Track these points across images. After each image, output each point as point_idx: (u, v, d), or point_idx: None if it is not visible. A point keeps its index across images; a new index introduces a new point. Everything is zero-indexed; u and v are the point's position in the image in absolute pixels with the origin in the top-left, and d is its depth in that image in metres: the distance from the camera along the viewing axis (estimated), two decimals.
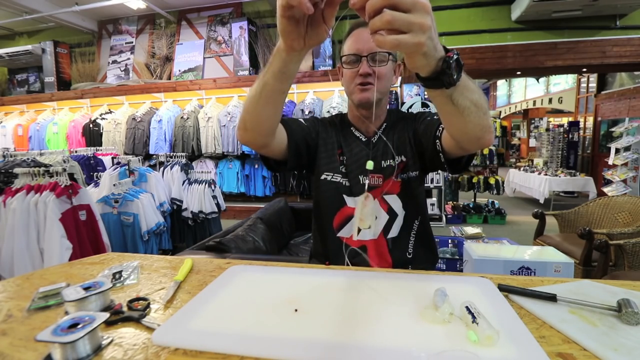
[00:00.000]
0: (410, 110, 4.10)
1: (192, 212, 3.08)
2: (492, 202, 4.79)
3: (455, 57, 0.50)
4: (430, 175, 4.58)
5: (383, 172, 0.92)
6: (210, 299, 0.56)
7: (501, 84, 12.33)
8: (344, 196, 0.93)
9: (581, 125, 7.12)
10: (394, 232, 0.92)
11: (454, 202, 5.14)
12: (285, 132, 0.85)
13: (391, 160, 0.93)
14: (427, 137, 0.85)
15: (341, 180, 0.94)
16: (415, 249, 0.94)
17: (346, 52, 0.89)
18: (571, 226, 2.54)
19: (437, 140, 0.80)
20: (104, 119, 5.02)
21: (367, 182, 0.92)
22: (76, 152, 3.39)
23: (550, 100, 9.17)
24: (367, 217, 0.57)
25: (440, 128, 0.80)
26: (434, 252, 1.02)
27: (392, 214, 0.91)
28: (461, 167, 0.82)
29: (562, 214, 2.58)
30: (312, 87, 4.52)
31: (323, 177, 0.96)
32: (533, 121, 11.22)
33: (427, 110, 4.82)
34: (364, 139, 0.97)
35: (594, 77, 6.95)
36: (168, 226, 2.85)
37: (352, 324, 0.48)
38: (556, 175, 5.35)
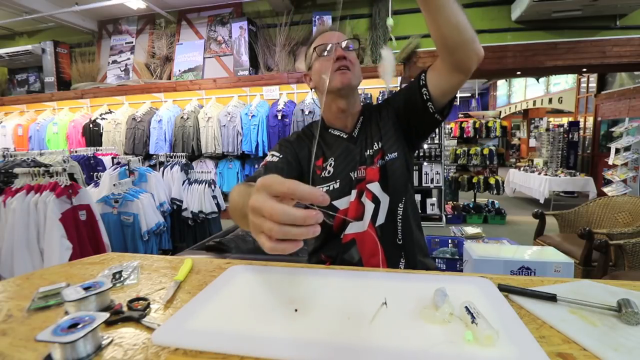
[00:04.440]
0: None
1: (192, 212, 3.08)
2: (492, 202, 4.79)
3: None
4: (430, 175, 4.58)
5: (366, 163, 0.93)
6: (210, 299, 0.56)
7: (501, 84, 12.32)
8: (334, 203, 0.92)
9: (581, 125, 7.12)
10: (380, 219, 0.92)
11: (454, 202, 5.15)
12: None
13: (370, 150, 0.94)
14: (413, 96, 0.88)
15: (329, 185, 0.93)
16: (405, 234, 0.94)
17: (316, 46, 0.95)
18: (571, 226, 2.54)
19: (424, 89, 0.85)
20: (104, 119, 5.01)
21: (355, 176, 0.93)
22: (76, 152, 3.39)
23: (550, 100, 9.17)
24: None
25: (423, 76, 0.86)
26: (424, 239, 1.02)
27: (377, 201, 0.92)
28: (446, 112, 0.88)
29: (562, 214, 2.58)
30: None
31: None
32: (533, 121, 11.22)
33: None
34: (345, 136, 0.98)
35: (594, 77, 6.95)
36: (168, 226, 2.85)
37: (352, 324, 0.48)
38: (556, 175, 5.35)
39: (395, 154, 0.93)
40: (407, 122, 0.95)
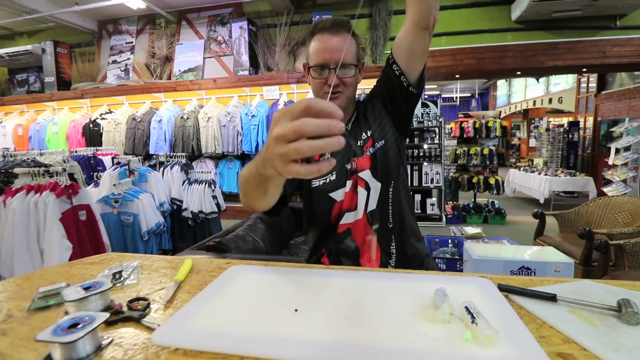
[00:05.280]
0: None
1: (192, 212, 3.08)
2: (492, 202, 4.79)
3: None
4: (430, 175, 4.58)
5: (357, 154, 0.95)
6: (210, 299, 0.56)
7: (501, 84, 12.33)
8: (330, 195, 0.94)
9: (581, 125, 7.12)
10: (372, 205, 0.93)
11: (454, 202, 5.14)
12: None
13: (361, 141, 0.96)
14: (388, 75, 0.92)
15: (326, 178, 0.95)
16: (395, 217, 0.95)
17: (313, 59, 0.92)
18: (571, 226, 2.54)
19: (394, 65, 0.89)
20: (104, 119, 5.02)
21: (349, 167, 0.95)
22: (76, 152, 3.39)
23: (550, 100, 9.17)
24: None
25: (390, 54, 0.90)
26: (416, 224, 1.03)
27: (368, 188, 0.93)
28: (422, 84, 0.92)
29: (562, 214, 2.58)
30: None
31: (314, 185, 0.97)
32: (533, 121, 11.21)
33: (427, 110, 4.81)
34: None
35: (594, 77, 6.95)
36: (168, 226, 2.85)
37: (352, 324, 0.48)
38: (556, 175, 5.35)
39: (384, 140, 0.95)
40: (390, 103, 0.97)
